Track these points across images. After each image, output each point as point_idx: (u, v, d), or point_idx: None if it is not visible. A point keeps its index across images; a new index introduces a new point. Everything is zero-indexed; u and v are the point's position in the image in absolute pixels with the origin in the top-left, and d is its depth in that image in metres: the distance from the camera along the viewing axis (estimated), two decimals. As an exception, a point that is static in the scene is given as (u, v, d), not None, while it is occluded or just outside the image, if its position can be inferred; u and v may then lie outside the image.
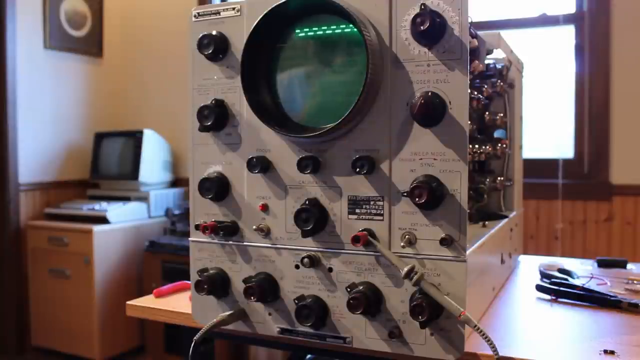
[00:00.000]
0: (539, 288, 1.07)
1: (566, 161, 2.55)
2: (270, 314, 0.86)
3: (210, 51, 0.86)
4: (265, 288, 0.84)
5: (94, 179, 3.30)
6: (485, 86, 1.07)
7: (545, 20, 2.65)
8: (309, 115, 0.84)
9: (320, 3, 0.78)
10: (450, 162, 0.74)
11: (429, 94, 0.73)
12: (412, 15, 0.73)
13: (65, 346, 2.98)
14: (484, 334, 0.69)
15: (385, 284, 0.78)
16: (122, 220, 2.98)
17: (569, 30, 2.60)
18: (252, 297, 0.84)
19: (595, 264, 1.37)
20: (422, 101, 0.72)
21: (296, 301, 0.82)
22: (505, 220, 1.17)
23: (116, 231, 2.95)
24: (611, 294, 1.03)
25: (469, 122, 0.74)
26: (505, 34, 1.20)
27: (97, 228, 2.85)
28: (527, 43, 2.71)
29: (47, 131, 3.23)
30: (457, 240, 0.74)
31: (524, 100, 1.42)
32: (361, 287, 0.78)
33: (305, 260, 0.82)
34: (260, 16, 0.80)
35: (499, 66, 1.18)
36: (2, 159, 3.02)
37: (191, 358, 0.85)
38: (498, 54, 1.20)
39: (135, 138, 3.14)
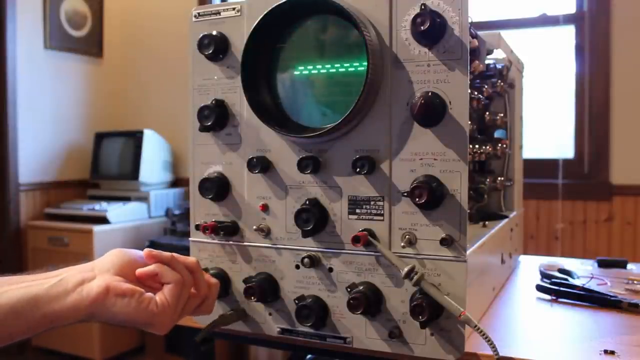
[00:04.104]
0: (539, 288, 1.07)
1: (566, 161, 2.55)
2: (270, 314, 0.86)
3: (210, 51, 0.86)
4: (265, 288, 0.84)
5: (94, 179, 3.30)
6: (486, 86, 1.07)
7: (545, 20, 2.65)
8: (309, 115, 0.85)
9: (320, 3, 0.78)
10: (450, 162, 0.74)
11: (429, 94, 0.73)
12: (412, 16, 0.73)
13: (66, 346, 2.98)
14: (484, 334, 0.69)
15: (386, 284, 0.78)
16: (122, 220, 2.98)
17: (569, 30, 2.60)
18: (252, 297, 0.84)
19: (596, 264, 1.37)
20: (422, 101, 0.72)
21: (296, 301, 0.82)
22: (506, 220, 1.17)
23: (116, 231, 2.94)
24: (611, 294, 1.03)
25: (469, 122, 0.73)
26: (506, 34, 1.20)
27: (97, 228, 2.85)
28: (527, 43, 2.71)
29: (47, 131, 3.23)
30: (457, 240, 0.74)
31: (524, 100, 1.42)
32: (361, 287, 0.78)
33: (306, 260, 0.82)
34: (261, 16, 0.80)
35: (499, 66, 1.18)
36: (2, 159, 3.02)
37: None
38: (498, 54, 1.19)
39: (135, 138, 3.14)
